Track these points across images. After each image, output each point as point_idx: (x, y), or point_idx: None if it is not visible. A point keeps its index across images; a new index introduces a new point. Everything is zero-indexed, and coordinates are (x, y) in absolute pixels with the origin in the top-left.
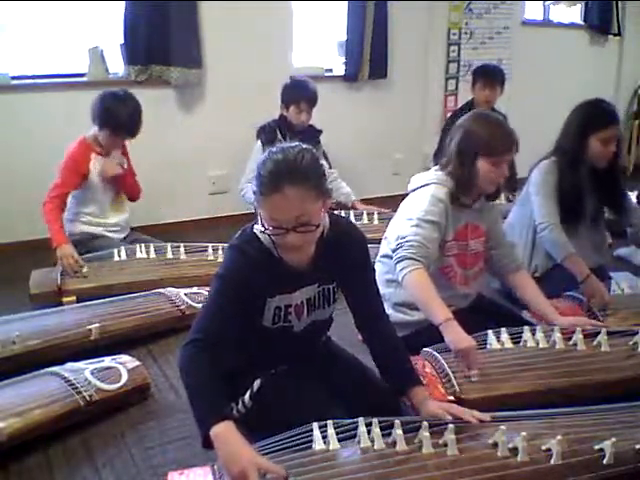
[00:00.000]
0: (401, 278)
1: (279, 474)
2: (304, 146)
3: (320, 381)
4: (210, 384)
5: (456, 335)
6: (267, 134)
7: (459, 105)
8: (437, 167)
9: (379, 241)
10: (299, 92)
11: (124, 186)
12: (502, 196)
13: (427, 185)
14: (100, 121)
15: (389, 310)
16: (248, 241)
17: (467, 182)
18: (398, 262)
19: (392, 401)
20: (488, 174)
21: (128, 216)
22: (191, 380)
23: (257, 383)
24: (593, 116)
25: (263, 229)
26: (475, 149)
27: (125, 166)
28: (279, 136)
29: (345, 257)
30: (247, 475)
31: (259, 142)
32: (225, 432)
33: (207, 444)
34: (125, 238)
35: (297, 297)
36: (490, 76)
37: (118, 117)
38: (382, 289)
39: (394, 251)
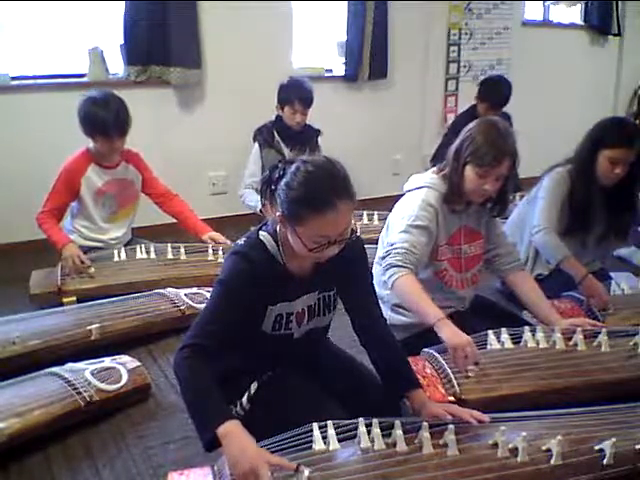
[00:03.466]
0: (390, 285)
1: (289, 468)
2: (328, 155)
3: (319, 382)
4: (210, 387)
5: (451, 332)
6: (264, 136)
7: (458, 105)
8: (434, 170)
9: (377, 242)
10: (293, 92)
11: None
12: None
13: (420, 188)
14: (88, 130)
15: (388, 312)
16: (254, 248)
17: (456, 187)
18: (386, 270)
19: (392, 401)
20: (472, 183)
21: (127, 231)
22: (189, 384)
23: (254, 385)
24: (606, 132)
25: (304, 248)
26: (465, 155)
27: (137, 180)
28: (277, 137)
29: (345, 263)
30: (258, 471)
31: (257, 144)
32: (233, 431)
33: (209, 446)
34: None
35: (298, 305)
36: (492, 99)
37: (104, 121)
38: (380, 291)
39: (383, 258)
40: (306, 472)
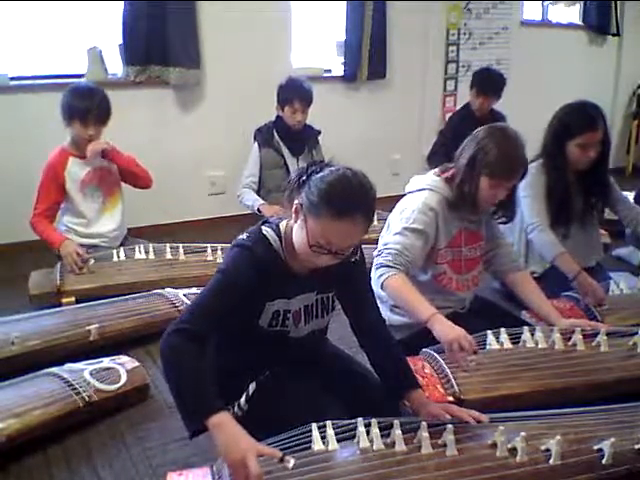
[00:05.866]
0: (380, 285)
1: (275, 456)
2: (362, 172)
3: (318, 381)
4: (200, 376)
5: (443, 328)
6: (264, 136)
7: (457, 105)
8: (436, 171)
9: (378, 242)
10: (292, 92)
11: (131, 179)
12: None
13: (422, 190)
14: (67, 115)
15: (386, 312)
16: (257, 242)
17: (468, 196)
18: (377, 269)
19: (391, 401)
20: (485, 192)
21: (120, 223)
22: (178, 371)
23: (253, 386)
24: (570, 122)
25: (306, 242)
26: (480, 165)
27: (113, 168)
28: (276, 137)
29: (343, 265)
30: (247, 461)
31: (256, 144)
32: (223, 422)
33: (194, 435)
34: (121, 245)
35: (295, 303)
36: (485, 86)
37: (85, 105)
38: (379, 291)
39: (375, 257)
40: (291, 462)
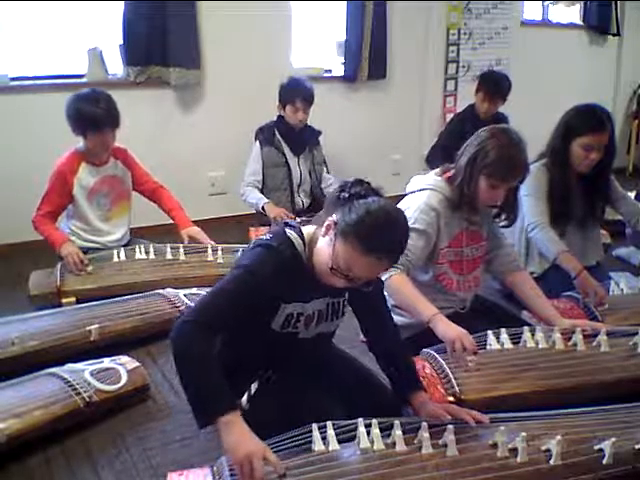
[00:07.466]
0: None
1: (277, 470)
2: (402, 212)
3: (319, 382)
4: (214, 372)
5: (445, 326)
6: (265, 135)
7: (457, 105)
8: (437, 171)
9: None
10: (294, 91)
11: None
12: None
13: (423, 190)
14: (79, 126)
15: None
16: (282, 243)
17: (467, 197)
18: None
19: (392, 402)
20: (484, 194)
21: (124, 233)
22: (191, 366)
23: (254, 385)
24: (576, 121)
25: (327, 261)
26: (480, 167)
27: (127, 176)
28: (278, 137)
29: None
30: (253, 461)
31: (257, 143)
32: (234, 421)
33: (204, 427)
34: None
35: (310, 307)
36: (492, 90)
37: (95, 115)
38: None
39: None
40: None
